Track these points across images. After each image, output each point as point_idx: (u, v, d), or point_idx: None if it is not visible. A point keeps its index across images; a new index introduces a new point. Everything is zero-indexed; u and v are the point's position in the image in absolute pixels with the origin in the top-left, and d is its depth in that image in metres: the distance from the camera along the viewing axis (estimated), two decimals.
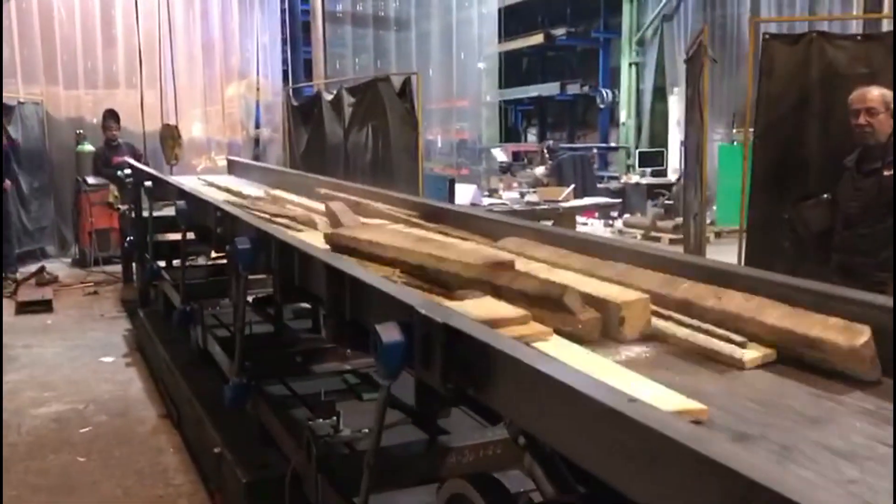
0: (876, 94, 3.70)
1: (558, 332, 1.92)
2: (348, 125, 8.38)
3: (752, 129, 4.91)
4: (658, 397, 1.48)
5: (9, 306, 7.61)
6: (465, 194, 7.79)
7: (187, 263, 5.08)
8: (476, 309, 1.93)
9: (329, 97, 8.84)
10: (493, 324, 1.80)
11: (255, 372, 3.63)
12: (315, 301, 2.63)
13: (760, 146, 4.60)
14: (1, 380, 5.15)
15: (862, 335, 1.62)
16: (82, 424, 4.56)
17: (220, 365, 3.97)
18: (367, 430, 3.15)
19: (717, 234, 12.01)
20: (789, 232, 4.12)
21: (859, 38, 4.75)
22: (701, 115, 4.92)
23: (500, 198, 8.49)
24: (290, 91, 10.50)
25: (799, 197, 4.15)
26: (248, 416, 3.59)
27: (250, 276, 3.13)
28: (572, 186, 8.40)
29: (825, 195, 3.93)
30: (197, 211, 4.11)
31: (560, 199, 8.06)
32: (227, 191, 5.16)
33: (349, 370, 3.97)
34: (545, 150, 11.73)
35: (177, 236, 5.63)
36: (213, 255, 5.91)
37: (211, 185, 5.86)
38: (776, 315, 1.81)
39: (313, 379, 3.94)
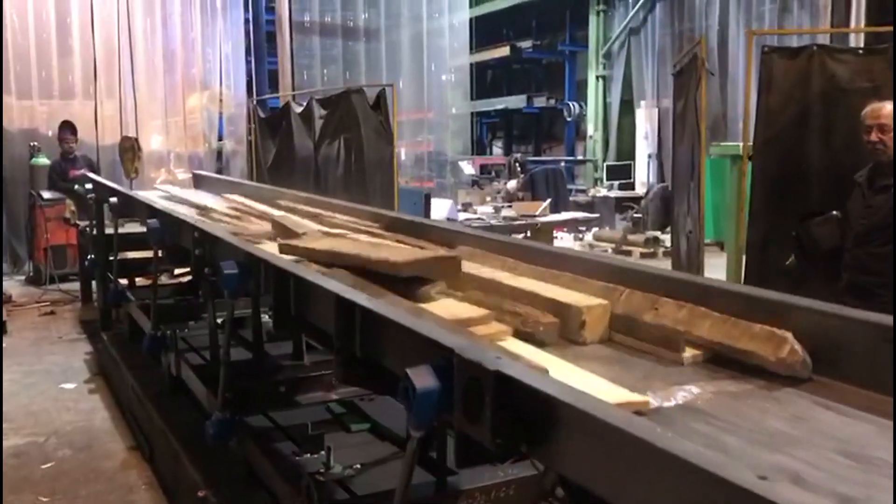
0: (889, 110, 3.59)
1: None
2: (319, 138, 8.13)
3: (745, 143, 4.79)
4: (604, 391, 1.61)
5: None
6: (440, 209, 7.59)
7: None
8: (440, 310, 2.11)
9: (299, 109, 8.57)
10: (459, 324, 1.99)
11: (238, 404, 3.38)
12: (316, 333, 2.39)
13: (759, 161, 4.48)
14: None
15: (784, 345, 1.73)
16: (44, 460, 4.23)
17: (197, 395, 3.69)
18: (358, 466, 2.94)
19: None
20: (797, 249, 3.99)
21: (861, 51, 4.66)
22: (698, 129, 4.77)
23: (475, 212, 8.29)
24: (255, 102, 10.18)
25: (802, 213, 4.02)
26: (228, 451, 3.34)
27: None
28: (549, 201, 8.25)
29: (834, 212, 3.81)
30: (171, 230, 3.83)
31: (537, 213, 7.89)
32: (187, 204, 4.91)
33: (335, 399, 3.74)
34: (517, 164, 11.58)
35: (143, 254, 5.37)
36: (178, 271, 5.64)
37: (173, 198, 5.58)
38: (706, 327, 1.91)
39: (297, 408, 3.70)
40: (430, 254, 2.55)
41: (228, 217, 4.38)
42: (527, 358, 1.81)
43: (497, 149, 20.56)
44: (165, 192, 6.17)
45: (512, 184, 10.65)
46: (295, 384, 3.66)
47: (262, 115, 9.68)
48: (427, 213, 7.38)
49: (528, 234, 7.85)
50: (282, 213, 4.13)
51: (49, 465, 4.16)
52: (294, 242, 2.96)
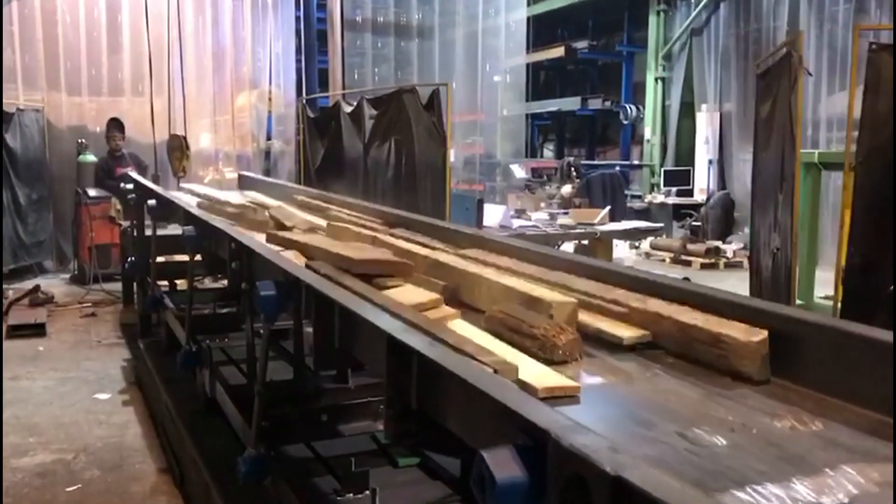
0: None
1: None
2: (368, 139, 7.80)
3: (847, 152, 4.30)
4: (541, 373, 1.73)
5: None
6: (494, 216, 7.20)
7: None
8: (397, 296, 2.27)
9: (348, 108, 8.26)
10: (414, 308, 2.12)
11: (274, 436, 3.04)
12: (360, 364, 2.03)
13: (863, 172, 4.00)
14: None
15: (760, 334, 1.78)
16: (70, 481, 3.95)
17: (231, 422, 3.37)
18: None
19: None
20: None
21: None
22: (791, 134, 4.31)
23: (529, 219, 7.88)
24: (305, 101, 9.90)
25: None
26: (263, 487, 3.00)
27: None
28: (608, 208, 7.80)
29: None
30: (207, 238, 3.52)
31: (595, 222, 7.46)
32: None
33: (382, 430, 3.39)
34: (570, 168, 11.14)
35: (183, 257, 5.10)
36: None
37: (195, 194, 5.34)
38: (687, 316, 1.96)
39: (340, 437, 3.36)
40: (381, 255, 2.70)
41: (234, 208, 4.22)
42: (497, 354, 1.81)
43: (548, 152, 20.09)
44: (189, 190, 5.95)
45: (567, 189, 10.21)
46: (338, 412, 3.33)
47: (311, 114, 9.39)
48: (480, 220, 7.01)
49: (587, 244, 7.43)
50: (278, 204, 4.37)
51: (74, 487, 3.87)
52: (280, 234, 3.24)
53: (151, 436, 4.55)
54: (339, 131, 8.40)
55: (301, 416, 3.34)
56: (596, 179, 10.18)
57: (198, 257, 4.05)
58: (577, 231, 7.09)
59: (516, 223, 7.41)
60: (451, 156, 12.69)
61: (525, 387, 1.64)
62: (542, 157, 18.96)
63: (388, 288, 2.42)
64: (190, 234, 3.57)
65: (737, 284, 9.36)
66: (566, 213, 8.12)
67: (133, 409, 5.02)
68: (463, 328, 2.11)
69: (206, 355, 3.94)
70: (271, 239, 3.16)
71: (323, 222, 3.87)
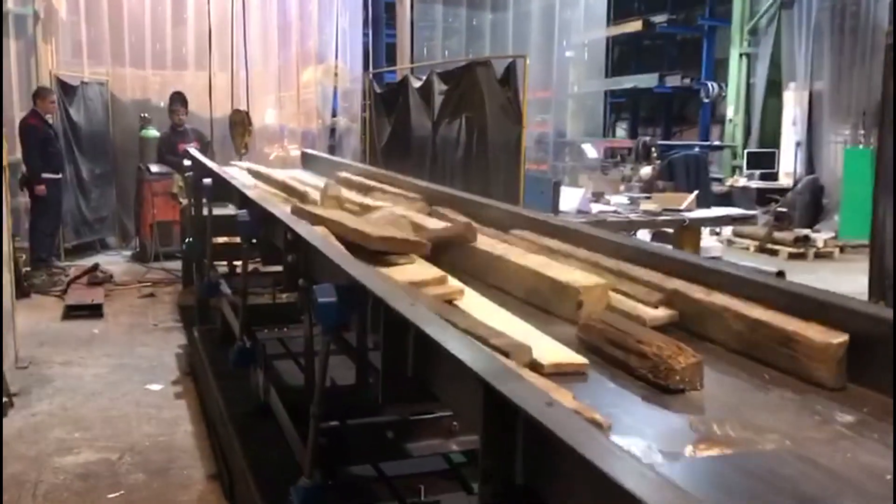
0: None
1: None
2: (438, 116, 7.33)
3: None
4: (549, 349, 1.70)
5: (56, 309, 6.83)
6: (571, 200, 6.68)
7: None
8: (399, 275, 2.19)
9: (417, 84, 7.79)
10: (416, 285, 2.09)
11: (333, 456, 2.65)
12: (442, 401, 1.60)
13: None
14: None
15: (839, 336, 1.59)
16: (113, 486, 3.63)
17: (285, 435, 2.98)
18: None
19: (841, 249, 10.64)
20: None
21: None
22: None
23: (608, 203, 7.32)
24: (372, 76, 9.48)
25: None
26: None
27: None
28: (695, 193, 7.19)
29: None
30: (262, 226, 3.12)
31: (682, 207, 6.87)
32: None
33: (455, 450, 2.96)
34: (650, 148, 10.50)
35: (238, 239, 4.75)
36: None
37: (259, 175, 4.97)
38: (755, 312, 1.79)
39: (407, 457, 2.94)
40: (400, 234, 2.58)
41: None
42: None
43: (621, 131, 19.34)
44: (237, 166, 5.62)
45: (646, 170, 9.57)
46: (406, 428, 2.91)
47: (377, 90, 8.95)
48: (556, 205, 6.50)
49: (671, 231, 6.86)
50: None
51: (117, 494, 3.55)
52: (306, 207, 3.05)
53: (202, 436, 4.22)
54: (407, 108, 7.94)
55: (363, 431, 2.93)
56: (678, 161, 9.51)
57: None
58: (664, 218, 6.52)
59: (595, 208, 6.87)
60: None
61: (532, 363, 1.61)
62: (614, 136, 18.24)
63: (395, 265, 2.34)
64: (244, 218, 3.17)
65: (827, 277, 8.67)
66: (648, 198, 7.54)
67: (185, 404, 4.70)
68: (472, 303, 2.11)
69: (261, 353, 3.57)
70: (296, 212, 2.98)
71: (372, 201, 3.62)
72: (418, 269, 2.31)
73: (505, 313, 2.02)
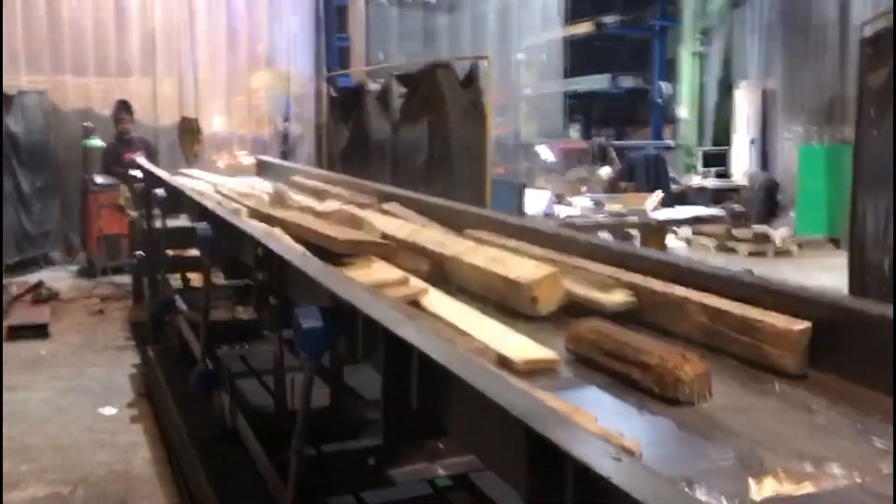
0: None
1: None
2: (398, 120, 7.13)
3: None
4: (520, 346, 1.70)
5: None
6: (536, 203, 6.54)
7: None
8: (361, 276, 2.20)
9: (375, 87, 7.58)
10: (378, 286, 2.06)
11: (312, 487, 2.43)
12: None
13: None
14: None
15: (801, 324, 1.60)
16: None
17: (258, 466, 2.76)
18: None
19: (799, 246, 10.71)
20: None
21: None
22: None
23: (570, 205, 7.20)
24: (327, 80, 9.23)
25: None
26: None
27: None
28: (659, 193, 7.10)
29: None
30: (226, 240, 2.89)
31: (649, 208, 6.77)
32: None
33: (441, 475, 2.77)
34: (605, 150, 10.46)
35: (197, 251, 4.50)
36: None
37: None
38: (714, 301, 1.79)
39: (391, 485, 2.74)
40: (364, 237, 2.59)
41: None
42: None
43: (574, 132, 19.32)
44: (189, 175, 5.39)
45: (605, 171, 9.52)
46: (388, 452, 2.70)
47: (333, 93, 8.70)
48: (521, 208, 6.36)
49: (640, 233, 6.76)
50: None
51: None
52: (262, 211, 3.12)
53: (162, 462, 3.95)
54: (365, 112, 7.72)
55: (342, 457, 2.73)
56: (639, 161, 9.43)
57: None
58: (631, 219, 6.40)
59: (560, 211, 6.74)
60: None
61: (504, 361, 1.62)
62: (568, 137, 18.21)
63: (352, 266, 2.33)
64: (205, 233, 2.93)
65: (791, 274, 8.68)
66: (613, 199, 7.43)
67: (142, 428, 4.42)
68: (436, 302, 2.10)
69: (225, 375, 3.33)
70: (253, 215, 3.03)
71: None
72: (380, 270, 2.29)
73: (471, 311, 2.03)
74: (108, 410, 4.67)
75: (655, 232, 6.49)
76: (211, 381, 3.33)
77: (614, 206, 6.72)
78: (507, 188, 6.43)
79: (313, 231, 2.55)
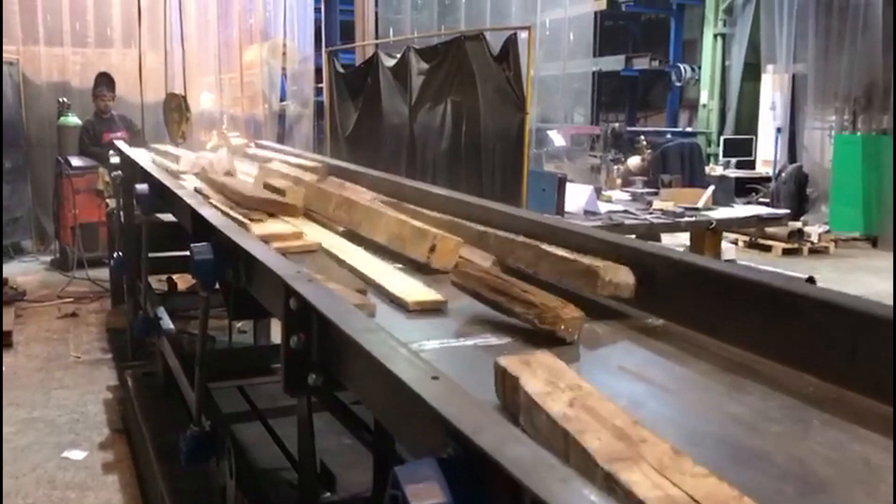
0: None
1: None
2: (416, 101, 6.24)
3: None
4: (411, 289, 1.81)
5: None
6: (577, 198, 5.70)
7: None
8: (259, 229, 2.32)
9: (390, 62, 6.67)
10: (268, 238, 2.16)
11: None
12: None
13: None
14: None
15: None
16: None
17: None
18: None
19: (836, 243, 9.96)
20: None
21: None
22: None
23: (610, 199, 6.35)
24: (329, 54, 8.30)
25: None
26: None
27: None
28: (712, 188, 6.28)
29: None
30: (231, 264, 2.03)
31: (701, 205, 5.95)
32: None
33: None
34: (620, 135, 9.64)
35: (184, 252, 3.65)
36: None
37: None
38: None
39: None
40: (269, 196, 2.69)
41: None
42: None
43: (578, 116, 18.47)
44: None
45: (634, 161, 8.68)
46: None
47: (339, 69, 7.78)
48: (560, 205, 5.51)
49: (691, 235, 5.93)
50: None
51: None
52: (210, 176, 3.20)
53: None
54: (378, 90, 6.81)
55: None
56: (673, 150, 8.60)
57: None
58: (687, 220, 5.56)
59: (603, 207, 5.89)
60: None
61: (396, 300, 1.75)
62: (572, 122, 17.36)
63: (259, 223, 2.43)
64: (203, 256, 2.05)
65: (829, 276, 7.92)
66: (655, 193, 6.60)
67: (116, 480, 3.55)
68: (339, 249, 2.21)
69: (229, 442, 2.47)
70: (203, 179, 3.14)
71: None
72: (272, 226, 2.43)
73: (364, 254, 2.19)
74: (76, 455, 3.79)
75: (710, 235, 5.65)
76: (208, 450, 2.47)
77: (666, 204, 5.87)
78: (544, 181, 5.57)
79: (237, 192, 2.74)
